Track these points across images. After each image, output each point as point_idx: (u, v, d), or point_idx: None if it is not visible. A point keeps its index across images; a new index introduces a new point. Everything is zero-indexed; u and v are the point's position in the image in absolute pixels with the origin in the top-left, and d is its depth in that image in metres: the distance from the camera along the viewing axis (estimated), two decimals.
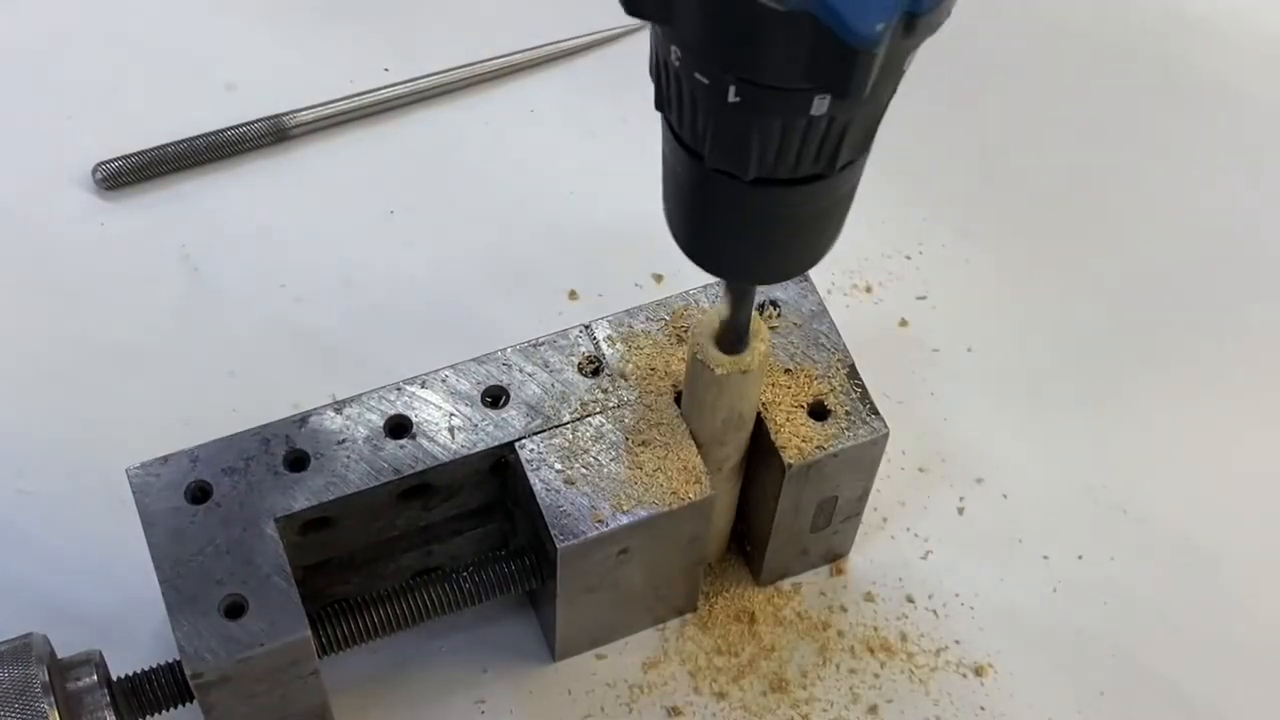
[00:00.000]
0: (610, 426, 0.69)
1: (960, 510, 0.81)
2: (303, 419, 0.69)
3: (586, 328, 0.72)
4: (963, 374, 0.85)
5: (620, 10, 0.48)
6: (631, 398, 0.70)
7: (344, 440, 0.69)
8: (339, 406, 0.70)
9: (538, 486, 0.68)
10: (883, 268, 0.88)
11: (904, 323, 0.86)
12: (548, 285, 0.86)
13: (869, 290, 0.87)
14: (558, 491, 0.68)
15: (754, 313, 0.65)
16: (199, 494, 0.68)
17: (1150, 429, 0.84)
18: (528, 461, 0.69)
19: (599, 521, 0.68)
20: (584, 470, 0.68)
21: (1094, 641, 0.78)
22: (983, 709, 0.76)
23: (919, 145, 0.92)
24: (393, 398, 0.70)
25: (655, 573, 0.73)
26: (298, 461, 0.68)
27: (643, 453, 0.69)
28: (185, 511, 0.67)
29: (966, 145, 0.93)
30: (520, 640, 0.77)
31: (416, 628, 0.72)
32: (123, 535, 0.71)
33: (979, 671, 0.77)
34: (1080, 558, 0.80)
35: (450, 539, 0.74)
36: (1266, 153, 0.94)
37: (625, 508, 0.68)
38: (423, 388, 0.70)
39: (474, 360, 0.71)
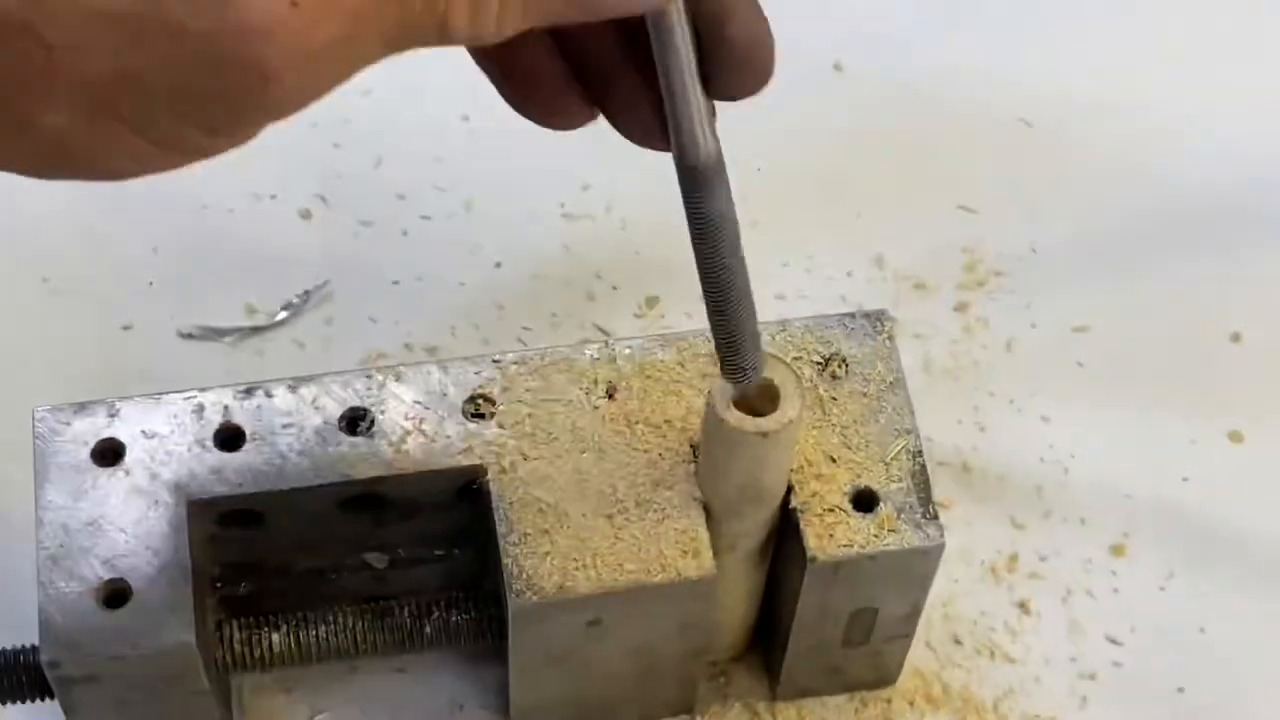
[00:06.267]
0: (607, 470, 0.57)
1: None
2: (248, 390, 0.58)
3: (607, 348, 0.60)
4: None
5: None
6: (639, 441, 0.58)
7: (290, 424, 0.58)
8: (295, 384, 0.59)
9: (502, 526, 0.56)
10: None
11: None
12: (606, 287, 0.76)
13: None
14: (526, 536, 0.56)
15: (789, 365, 0.52)
16: (109, 454, 0.58)
17: None
18: (499, 494, 0.57)
19: (566, 581, 0.56)
20: (563, 516, 0.57)
21: None
22: None
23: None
24: (359, 385, 0.59)
25: (639, 658, 0.60)
26: (231, 439, 0.58)
27: (637, 509, 0.57)
28: (88, 472, 0.57)
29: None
30: (501, 673, 0.64)
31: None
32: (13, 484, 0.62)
33: None
34: None
35: (410, 567, 0.62)
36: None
37: (602, 570, 0.56)
38: (397, 381, 0.59)
39: (465, 359, 0.59)
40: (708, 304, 0.50)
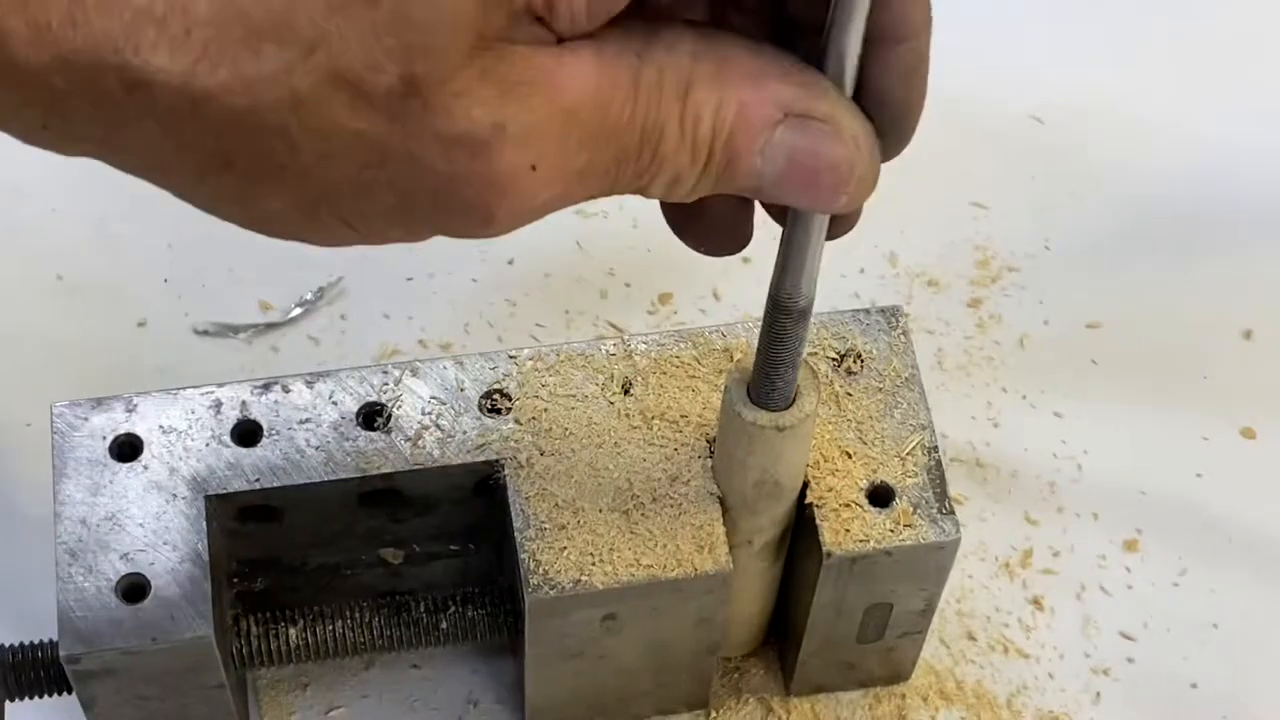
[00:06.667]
0: (623, 465, 0.57)
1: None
2: (265, 386, 0.58)
3: (623, 344, 0.60)
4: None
5: None
6: (655, 437, 0.58)
7: (307, 420, 0.58)
8: (311, 379, 0.59)
9: (519, 521, 0.56)
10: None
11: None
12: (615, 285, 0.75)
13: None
14: (542, 531, 0.56)
15: (806, 361, 0.52)
16: (127, 450, 0.57)
17: None
18: (515, 489, 0.57)
19: (582, 575, 0.55)
20: (579, 511, 0.56)
21: None
22: None
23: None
24: (375, 380, 0.59)
25: (654, 653, 0.60)
26: (249, 434, 0.58)
27: (653, 505, 0.56)
28: (107, 467, 0.57)
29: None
30: (516, 668, 0.64)
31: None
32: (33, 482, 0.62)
33: None
34: None
35: (426, 562, 0.62)
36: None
37: (618, 566, 0.56)
38: (413, 375, 0.59)
39: (481, 355, 0.59)
40: (757, 364, 0.52)
